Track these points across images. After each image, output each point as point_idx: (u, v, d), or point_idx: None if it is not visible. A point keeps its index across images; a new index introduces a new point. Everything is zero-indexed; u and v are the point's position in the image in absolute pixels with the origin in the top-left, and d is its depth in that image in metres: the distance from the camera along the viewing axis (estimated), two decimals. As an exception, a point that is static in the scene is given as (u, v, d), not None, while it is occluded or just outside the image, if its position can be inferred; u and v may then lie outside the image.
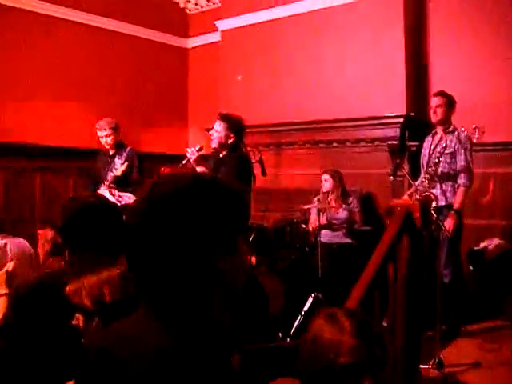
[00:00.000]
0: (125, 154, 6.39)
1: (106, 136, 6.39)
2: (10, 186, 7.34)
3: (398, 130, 6.79)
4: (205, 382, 1.28)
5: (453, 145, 5.62)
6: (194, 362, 1.27)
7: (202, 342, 1.31)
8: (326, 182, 6.72)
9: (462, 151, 5.58)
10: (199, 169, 5.36)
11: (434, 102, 5.80)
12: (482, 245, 6.32)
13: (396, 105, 6.91)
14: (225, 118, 5.60)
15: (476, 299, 5.91)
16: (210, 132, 5.62)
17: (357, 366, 1.89)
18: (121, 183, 6.20)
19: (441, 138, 5.72)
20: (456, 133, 5.67)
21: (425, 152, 5.91)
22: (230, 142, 5.50)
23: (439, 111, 5.73)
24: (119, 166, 6.29)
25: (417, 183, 5.65)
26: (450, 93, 5.93)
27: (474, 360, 4.66)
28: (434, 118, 5.81)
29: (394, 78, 7.03)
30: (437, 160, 5.55)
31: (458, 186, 5.57)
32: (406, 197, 5.68)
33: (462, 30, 7.03)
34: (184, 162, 5.57)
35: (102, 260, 2.62)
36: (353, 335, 1.92)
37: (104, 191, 6.08)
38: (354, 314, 2.05)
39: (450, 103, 5.75)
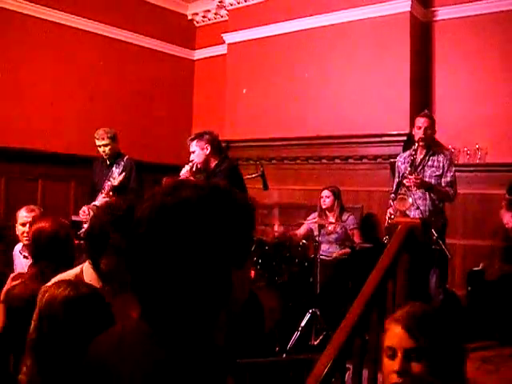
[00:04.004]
0: (122, 163, 6.35)
1: (104, 146, 6.35)
2: (11, 191, 7.35)
3: (401, 148, 6.79)
4: None
5: (441, 165, 5.58)
6: (185, 380, 1.21)
7: (196, 361, 1.23)
8: (328, 199, 6.73)
9: (448, 168, 5.55)
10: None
11: (420, 122, 5.68)
12: (481, 265, 6.30)
13: (399, 123, 6.92)
14: (193, 137, 5.55)
15: (474, 319, 5.88)
16: (190, 159, 5.53)
17: None
18: (118, 192, 6.17)
19: (426, 160, 5.65)
20: (442, 153, 5.63)
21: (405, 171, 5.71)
22: (207, 152, 5.42)
23: (429, 133, 5.62)
24: (117, 176, 6.27)
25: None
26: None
27: (470, 381, 4.61)
28: (419, 138, 5.63)
29: (398, 96, 7.05)
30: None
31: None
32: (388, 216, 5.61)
33: (467, 49, 7.06)
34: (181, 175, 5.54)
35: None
36: None
37: (104, 200, 6.05)
38: None
39: (433, 124, 5.68)
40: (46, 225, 3.53)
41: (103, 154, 6.44)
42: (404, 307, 2.12)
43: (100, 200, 6.11)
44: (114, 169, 6.36)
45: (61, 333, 2.11)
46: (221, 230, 1.26)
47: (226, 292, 1.27)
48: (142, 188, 6.36)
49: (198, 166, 5.43)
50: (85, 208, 6.23)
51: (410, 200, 5.40)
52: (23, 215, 4.62)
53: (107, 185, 6.24)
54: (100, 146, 6.39)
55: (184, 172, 5.42)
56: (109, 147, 6.36)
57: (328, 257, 6.49)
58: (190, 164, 5.44)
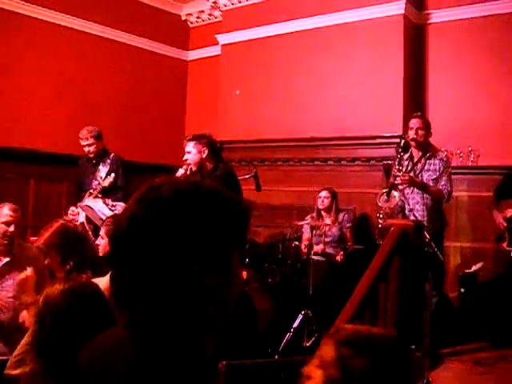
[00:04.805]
0: (109, 161, 6.33)
1: (89, 145, 6.33)
2: (3, 191, 7.31)
3: (394, 151, 6.79)
4: None
5: (437, 168, 5.58)
6: None
7: (180, 366, 1.20)
8: (327, 199, 6.73)
9: (443, 170, 5.56)
10: None
11: (413, 123, 5.66)
12: (473, 268, 6.32)
13: (393, 125, 6.92)
14: (191, 138, 5.51)
15: (466, 321, 5.89)
16: (184, 158, 5.49)
17: None
18: (107, 191, 6.15)
19: (423, 164, 5.65)
20: (439, 156, 5.63)
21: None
22: (204, 156, 5.39)
23: (421, 133, 5.60)
24: (104, 174, 6.24)
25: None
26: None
27: (462, 383, 4.63)
28: (411, 138, 5.64)
29: (392, 98, 7.05)
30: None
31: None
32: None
33: (461, 52, 7.08)
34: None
35: None
36: None
37: (97, 200, 6.03)
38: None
39: (427, 125, 5.66)
40: (69, 224, 3.63)
41: (88, 154, 6.41)
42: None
43: (91, 200, 6.09)
44: (100, 167, 6.34)
45: (63, 325, 2.12)
46: (197, 230, 1.21)
47: (206, 294, 1.22)
48: (128, 185, 6.33)
49: (193, 168, 5.40)
50: (73, 208, 6.21)
51: (396, 194, 5.39)
52: (7, 213, 4.25)
53: (95, 184, 6.22)
54: (85, 146, 6.36)
55: (179, 175, 5.39)
56: (93, 146, 6.34)
57: (321, 258, 6.48)
58: (185, 167, 5.41)
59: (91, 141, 6.32)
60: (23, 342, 2.66)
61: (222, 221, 1.25)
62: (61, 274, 3.52)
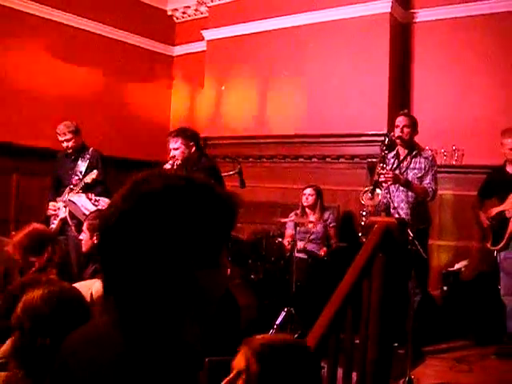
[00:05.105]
0: (88, 156, 6.28)
1: (67, 140, 6.27)
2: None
3: (379, 149, 6.80)
4: None
5: (422, 166, 5.59)
6: (155, 379, 1.17)
7: (166, 358, 1.20)
8: (311, 197, 6.72)
9: (428, 169, 5.56)
10: None
11: (398, 121, 5.65)
12: (456, 266, 6.34)
13: (378, 123, 6.93)
14: (176, 133, 5.41)
15: (449, 319, 5.91)
16: (170, 155, 5.43)
17: None
18: (88, 186, 6.10)
19: (409, 162, 5.65)
20: (424, 155, 5.64)
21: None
22: (192, 150, 5.35)
23: (406, 131, 5.59)
24: (83, 169, 6.19)
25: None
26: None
27: (443, 380, 4.64)
28: (396, 136, 5.64)
29: (377, 96, 7.06)
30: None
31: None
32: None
33: (446, 51, 7.10)
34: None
35: None
36: None
37: (80, 195, 5.98)
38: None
39: (413, 123, 5.65)
40: (38, 227, 3.69)
41: (67, 149, 6.35)
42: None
43: (72, 195, 6.04)
44: (79, 162, 6.29)
45: (46, 328, 2.11)
46: (188, 224, 1.21)
47: (195, 289, 1.22)
48: (106, 179, 6.29)
49: (179, 163, 5.36)
50: (54, 203, 6.17)
51: (380, 192, 5.36)
52: None
53: (75, 180, 6.16)
54: (63, 142, 6.31)
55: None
56: (72, 141, 6.28)
57: (304, 254, 6.47)
58: (171, 162, 5.37)
59: (69, 136, 6.26)
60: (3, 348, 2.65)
61: (213, 214, 1.25)
62: (28, 273, 3.55)
